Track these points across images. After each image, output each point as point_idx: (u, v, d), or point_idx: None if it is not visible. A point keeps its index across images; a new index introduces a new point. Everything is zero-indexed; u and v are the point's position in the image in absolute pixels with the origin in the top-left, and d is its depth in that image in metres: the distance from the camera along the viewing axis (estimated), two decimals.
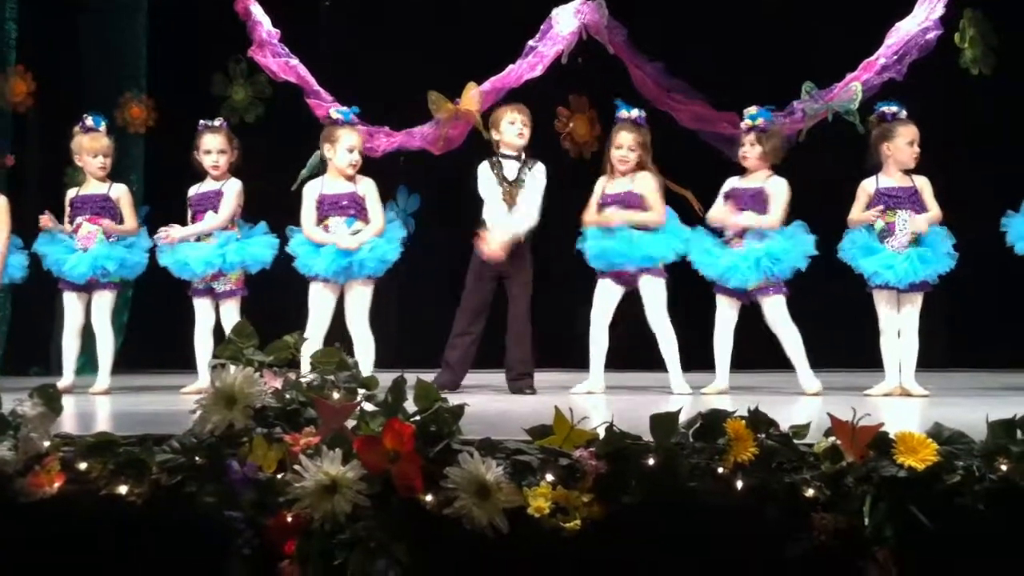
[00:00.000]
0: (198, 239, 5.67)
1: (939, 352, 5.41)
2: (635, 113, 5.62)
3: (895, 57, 5.87)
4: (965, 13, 5.99)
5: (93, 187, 5.81)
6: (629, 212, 5.51)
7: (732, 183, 5.57)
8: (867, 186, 5.37)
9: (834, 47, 6.47)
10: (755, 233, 5.42)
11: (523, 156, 5.68)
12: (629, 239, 5.47)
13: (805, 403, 4.90)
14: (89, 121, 5.81)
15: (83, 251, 5.66)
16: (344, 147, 5.55)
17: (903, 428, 2.73)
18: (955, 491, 2.64)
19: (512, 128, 5.63)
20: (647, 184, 5.54)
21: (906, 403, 4.93)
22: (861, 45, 6.02)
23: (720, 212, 5.53)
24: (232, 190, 5.71)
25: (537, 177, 5.66)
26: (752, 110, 5.53)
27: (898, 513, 2.63)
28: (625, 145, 5.57)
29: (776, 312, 5.43)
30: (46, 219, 5.67)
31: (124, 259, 5.71)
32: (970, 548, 2.65)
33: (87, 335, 5.83)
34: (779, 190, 5.47)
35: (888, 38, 5.93)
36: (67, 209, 5.78)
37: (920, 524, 2.62)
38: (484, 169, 5.68)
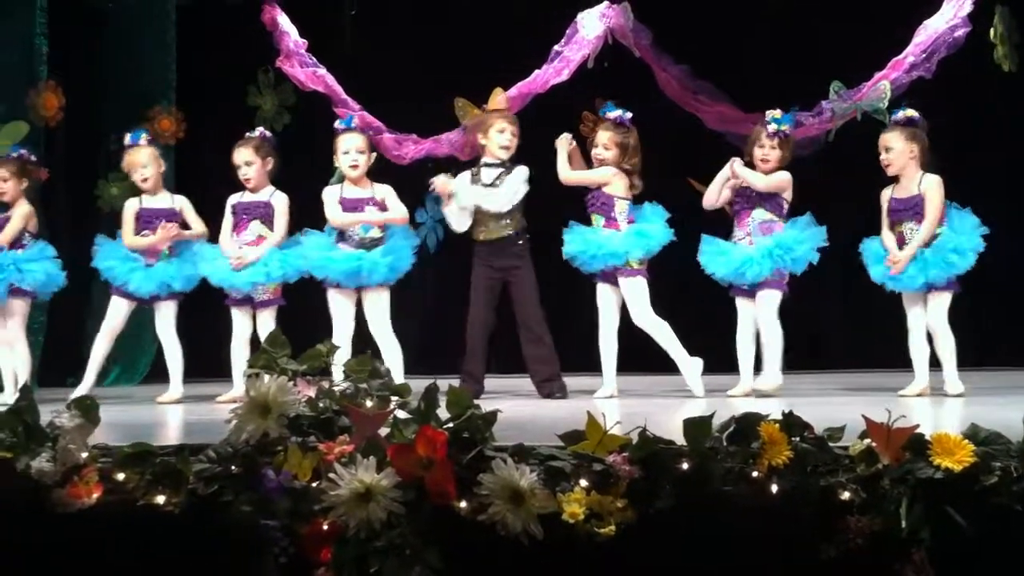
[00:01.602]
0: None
1: (972, 351, 5.35)
2: (617, 113, 5.61)
3: (923, 55, 5.83)
4: (997, 9, 5.94)
5: (154, 201, 5.89)
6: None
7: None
8: (883, 196, 5.39)
9: (862, 46, 6.43)
10: (762, 227, 5.41)
11: (506, 164, 5.68)
12: (594, 240, 5.51)
13: (839, 405, 4.85)
14: (126, 139, 5.92)
15: (147, 266, 5.74)
16: (341, 151, 5.64)
17: (939, 429, 2.71)
18: (992, 492, 2.63)
19: (501, 136, 5.64)
20: (616, 186, 5.57)
21: (941, 403, 4.90)
22: (889, 43, 5.98)
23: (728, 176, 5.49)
24: (282, 207, 5.78)
25: (516, 175, 5.65)
26: (776, 113, 5.50)
27: (934, 515, 2.62)
28: (600, 143, 5.61)
29: (767, 306, 5.39)
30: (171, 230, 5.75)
31: (190, 276, 5.79)
32: (1007, 549, 2.63)
33: (116, 349, 5.87)
34: (784, 178, 5.45)
35: (916, 36, 5.89)
36: (129, 221, 5.83)
37: (957, 526, 2.60)
38: (462, 178, 5.68)
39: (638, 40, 6.15)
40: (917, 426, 2.72)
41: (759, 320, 5.42)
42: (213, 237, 5.87)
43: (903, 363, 5.42)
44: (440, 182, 5.64)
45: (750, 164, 5.52)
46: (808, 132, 5.97)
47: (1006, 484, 2.64)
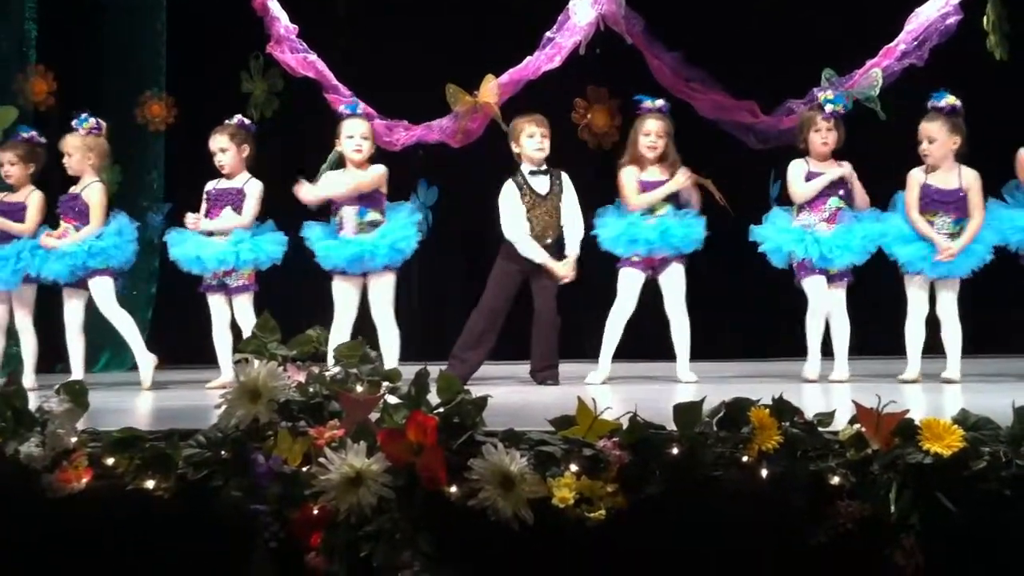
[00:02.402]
0: (210, 235, 5.71)
1: (964, 338, 5.36)
2: (660, 103, 5.67)
3: (915, 43, 5.83)
4: None
5: (73, 187, 5.87)
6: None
7: (805, 167, 5.50)
8: (913, 178, 5.34)
9: (854, 33, 6.42)
10: (845, 216, 5.42)
11: (546, 167, 5.67)
12: (668, 226, 5.51)
13: (829, 391, 4.89)
14: (73, 121, 5.88)
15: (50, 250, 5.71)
16: (345, 135, 5.64)
17: (928, 415, 2.72)
18: (981, 477, 2.64)
19: (531, 142, 5.61)
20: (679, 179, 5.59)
21: (931, 389, 4.91)
22: (881, 31, 5.98)
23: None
24: (254, 194, 5.76)
25: (570, 185, 5.68)
26: (828, 94, 5.52)
27: (924, 500, 2.62)
28: (653, 132, 5.60)
29: (842, 300, 5.46)
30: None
31: (108, 251, 5.71)
32: (996, 534, 2.64)
33: (105, 335, 5.85)
34: (852, 172, 5.48)
35: (908, 24, 5.89)
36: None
37: (946, 511, 2.61)
38: (510, 188, 5.62)
39: (630, 27, 6.13)
40: (907, 411, 2.72)
41: (836, 313, 5.45)
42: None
43: (888, 350, 5.44)
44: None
45: (804, 151, 5.54)
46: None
47: (995, 469, 2.64)
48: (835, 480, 2.68)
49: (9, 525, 2.89)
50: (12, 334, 5.90)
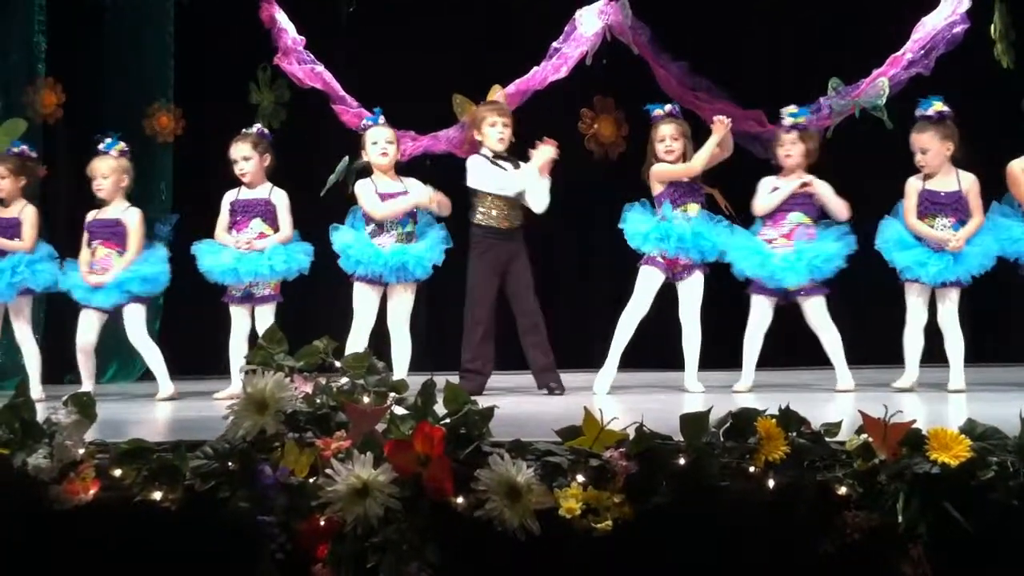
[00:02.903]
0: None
1: (968, 346, 5.36)
2: (669, 107, 5.66)
3: (922, 52, 5.82)
4: (997, 5, 5.93)
5: (106, 211, 5.82)
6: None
7: (772, 183, 5.53)
8: (911, 186, 5.34)
9: (860, 42, 6.42)
10: (803, 232, 5.41)
11: (511, 158, 5.65)
12: (702, 228, 5.49)
13: (835, 401, 4.88)
14: (101, 144, 5.85)
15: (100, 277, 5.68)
16: (369, 142, 5.68)
17: (936, 424, 2.71)
18: (989, 487, 2.63)
19: (494, 131, 5.61)
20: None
21: (938, 399, 4.90)
22: (887, 40, 5.98)
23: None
24: (284, 203, 5.77)
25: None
26: (792, 108, 5.53)
27: (931, 510, 2.62)
28: (668, 136, 5.58)
29: (819, 312, 5.43)
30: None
31: (149, 277, 5.74)
32: (1004, 544, 2.63)
33: (113, 346, 5.85)
34: (828, 187, 5.47)
35: (914, 32, 5.88)
36: (85, 233, 5.80)
37: (954, 521, 2.60)
38: (478, 159, 5.62)
39: (636, 37, 6.14)
40: (914, 421, 2.72)
41: (816, 329, 5.43)
42: (208, 233, 5.85)
43: (889, 359, 5.43)
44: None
45: (777, 167, 5.55)
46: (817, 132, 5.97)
47: (1003, 479, 2.64)
48: (842, 490, 2.67)
49: (17, 537, 2.89)
50: (17, 346, 5.91)
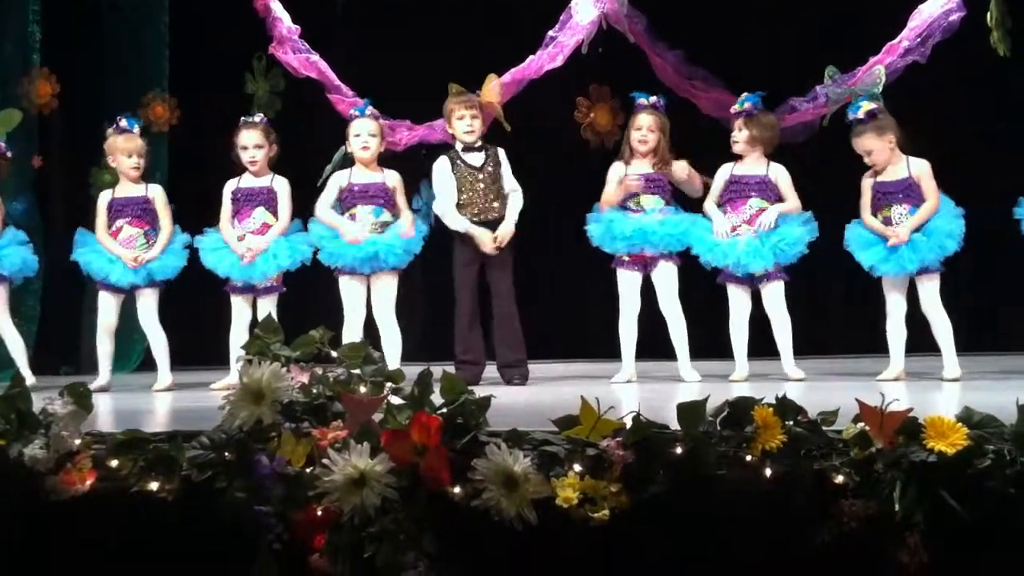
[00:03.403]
0: (242, 238, 5.70)
1: (965, 335, 5.36)
2: (653, 99, 5.65)
3: (918, 40, 5.82)
4: None
5: (130, 189, 5.82)
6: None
7: (729, 170, 5.55)
8: (864, 184, 5.38)
9: (857, 30, 6.41)
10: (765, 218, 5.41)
11: (482, 144, 5.68)
12: (643, 224, 5.50)
13: (832, 390, 4.88)
14: (123, 122, 5.83)
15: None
16: (352, 134, 5.67)
17: (932, 413, 2.71)
18: (986, 475, 2.63)
19: (461, 124, 5.65)
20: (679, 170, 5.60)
21: (934, 387, 4.91)
22: (884, 28, 5.97)
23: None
24: (285, 192, 5.76)
25: (506, 160, 5.69)
26: (744, 96, 5.54)
27: (928, 498, 2.62)
28: (644, 126, 5.60)
29: (776, 298, 5.46)
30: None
31: (173, 266, 5.75)
32: (1001, 532, 2.64)
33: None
34: (785, 175, 5.51)
35: (911, 20, 5.88)
36: (103, 213, 5.78)
37: (950, 509, 2.61)
38: (442, 162, 5.67)
39: (632, 25, 6.13)
40: (911, 410, 2.72)
41: (771, 314, 5.45)
42: (205, 222, 5.84)
43: (877, 349, 5.44)
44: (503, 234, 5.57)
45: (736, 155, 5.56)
46: (802, 117, 5.98)
47: (1000, 467, 2.64)
48: (839, 479, 2.68)
49: (13, 527, 2.89)
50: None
